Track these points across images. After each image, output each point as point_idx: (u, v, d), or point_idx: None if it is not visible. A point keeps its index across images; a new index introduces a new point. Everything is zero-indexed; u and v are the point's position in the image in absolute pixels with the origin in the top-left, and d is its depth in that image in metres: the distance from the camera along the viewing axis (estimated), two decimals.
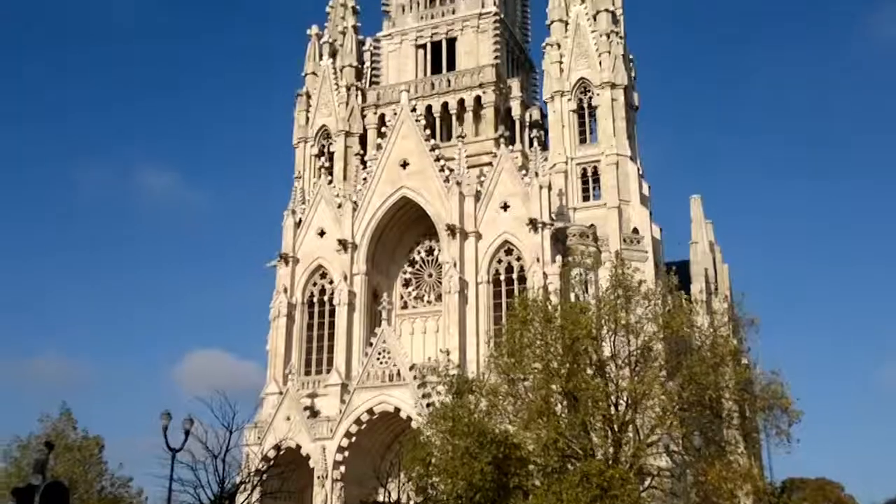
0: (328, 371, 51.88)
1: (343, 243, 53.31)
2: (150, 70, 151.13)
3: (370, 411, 48.70)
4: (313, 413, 50.36)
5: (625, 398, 33.71)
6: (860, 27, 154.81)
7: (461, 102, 58.26)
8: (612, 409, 33.57)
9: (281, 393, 50.94)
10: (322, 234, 54.63)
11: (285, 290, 53.64)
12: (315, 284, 54.34)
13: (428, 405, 44.52)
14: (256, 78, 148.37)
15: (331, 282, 53.57)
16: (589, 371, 34.82)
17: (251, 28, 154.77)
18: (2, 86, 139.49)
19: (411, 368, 48.74)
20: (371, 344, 50.24)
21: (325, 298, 53.73)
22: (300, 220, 55.27)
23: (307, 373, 52.82)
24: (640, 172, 54.06)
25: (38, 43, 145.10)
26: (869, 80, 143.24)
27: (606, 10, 56.72)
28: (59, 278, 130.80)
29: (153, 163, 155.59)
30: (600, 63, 55.43)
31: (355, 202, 54.27)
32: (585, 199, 53.37)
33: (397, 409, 48.22)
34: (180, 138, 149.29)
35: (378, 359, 49.32)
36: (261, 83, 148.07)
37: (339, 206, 54.65)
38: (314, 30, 63.90)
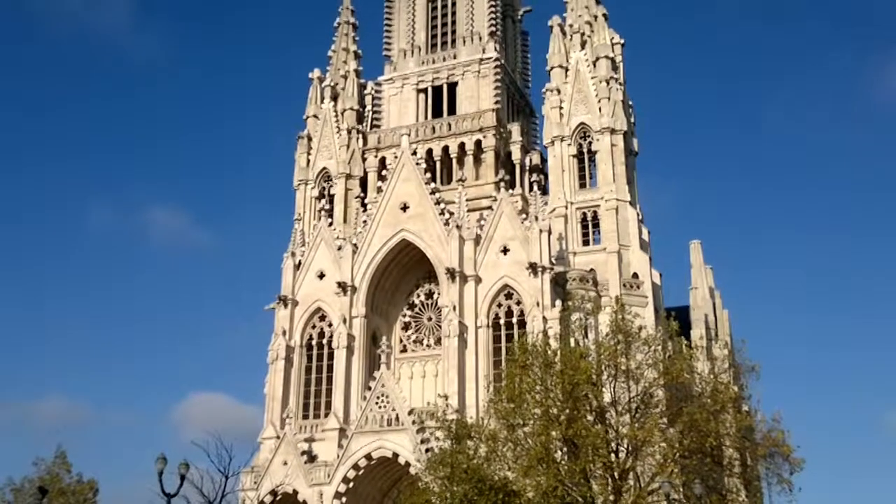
0: (326, 415, 51.49)
1: (342, 286, 53.24)
2: (163, 111, 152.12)
3: (368, 456, 48.22)
4: (311, 458, 49.86)
5: (625, 445, 33.50)
6: (869, 73, 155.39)
7: (462, 146, 58.62)
8: (613, 456, 33.33)
9: (278, 437, 50.48)
10: (321, 276, 54.58)
11: (284, 333, 53.45)
12: (314, 327, 54.16)
13: (427, 451, 44.19)
14: (260, 119, 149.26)
15: (330, 324, 53.39)
16: (589, 417, 34.65)
17: (256, 70, 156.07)
18: (14, 123, 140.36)
19: (410, 413, 48.38)
20: (370, 388, 49.93)
21: (324, 341, 53.49)
22: (300, 263, 55.24)
23: (305, 417, 52.43)
24: (640, 217, 54.20)
25: (52, 84, 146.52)
26: (875, 130, 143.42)
27: (606, 57, 57.28)
28: (62, 319, 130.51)
29: (163, 203, 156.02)
30: (600, 109, 55.86)
31: (355, 245, 54.30)
32: (585, 243, 53.45)
33: (395, 455, 47.77)
34: (188, 178, 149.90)
35: (376, 403, 48.97)
36: (264, 125, 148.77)
37: (339, 248, 54.67)
38: (316, 73, 64.53)
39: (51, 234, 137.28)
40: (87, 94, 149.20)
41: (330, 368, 52.61)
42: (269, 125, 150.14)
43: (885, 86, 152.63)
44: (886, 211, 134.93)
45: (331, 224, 56.60)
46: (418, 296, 55.39)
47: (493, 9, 62.37)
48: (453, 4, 64.21)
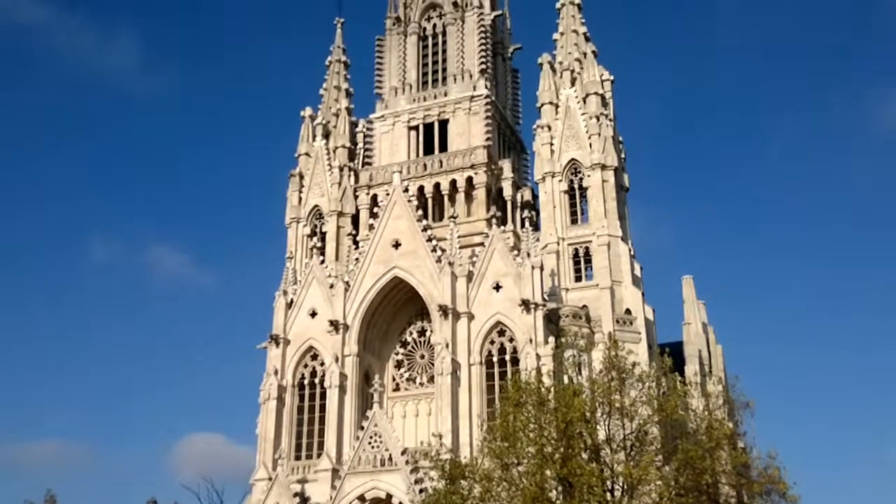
0: (319, 455, 50.91)
1: (335, 324, 52.95)
2: (165, 149, 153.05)
3: (361, 498, 47.64)
4: (303, 499, 49.25)
5: (621, 483, 33.22)
6: (869, 108, 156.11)
7: (453, 183, 58.70)
8: (608, 494, 33.04)
9: (270, 479, 49.88)
10: (313, 314, 54.30)
11: (276, 372, 53.05)
12: (306, 366, 53.77)
13: (420, 491, 43.77)
14: (257, 157, 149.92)
15: (322, 363, 53.03)
16: (584, 455, 34.42)
17: (254, 108, 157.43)
18: (18, 159, 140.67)
19: (403, 453, 47.91)
20: (362, 427, 49.49)
21: (316, 380, 53.07)
22: (292, 301, 55.00)
23: (297, 457, 51.85)
24: (632, 253, 54.18)
25: (58, 122, 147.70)
26: (874, 164, 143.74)
27: (596, 94, 57.62)
28: (60, 358, 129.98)
29: (163, 241, 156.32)
30: (590, 145, 56.08)
31: (347, 282, 54.11)
32: (578, 279, 53.37)
33: (389, 496, 47.22)
34: (188, 216, 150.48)
35: (369, 443, 48.50)
36: (261, 163, 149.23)
37: (331, 286, 54.45)
38: (308, 111, 64.74)
39: (50, 270, 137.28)
40: (92, 133, 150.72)
41: (322, 408, 52.13)
42: (265, 162, 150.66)
43: (884, 120, 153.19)
44: (883, 246, 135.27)
45: (323, 262, 56.46)
46: (411, 333, 55.13)
47: (483, 47, 62.86)
48: (444, 43, 64.69)
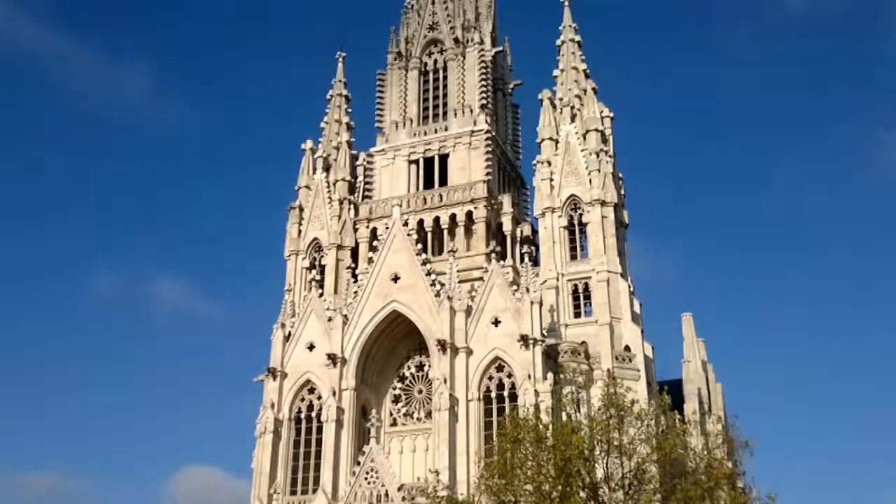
0: (314, 491, 50.41)
1: (332, 357, 52.70)
2: (171, 179, 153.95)
3: None
4: None
5: None
6: (872, 146, 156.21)
7: (453, 217, 58.75)
8: None
9: None
10: (311, 347, 54.06)
11: (272, 406, 52.70)
12: (303, 400, 53.42)
13: None
14: (259, 189, 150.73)
15: (319, 397, 52.68)
16: (582, 494, 34.19)
17: (254, 141, 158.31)
18: (23, 187, 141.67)
19: (400, 489, 47.51)
20: (359, 463, 49.12)
21: (313, 414, 52.69)
22: (290, 334, 54.78)
23: (293, 492, 51.36)
24: (632, 290, 54.07)
25: (61, 152, 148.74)
26: (876, 202, 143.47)
27: (596, 130, 57.86)
28: (59, 388, 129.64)
29: (165, 272, 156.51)
30: (590, 181, 56.19)
31: (345, 316, 53.94)
32: (577, 315, 53.22)
33: None
34: (190, 247, 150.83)
35: (366, 479, 48.10)
36: (263, 195, 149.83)
37: (330, 319, 54.26)
38: (308, 144, 64.99)
39: (52, 300, 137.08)
40: (97, 160, 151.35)
41: (319, 442, 51.70)
42: (268, 193, 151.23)
43: (888, 156, 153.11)
44: (887, 285, 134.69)
45: (321, 295, 56.31)
46: (409, 368, 54.87)
47: (483, 82, 63.25)
48: (445, 78, 65.11)
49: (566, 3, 63.51)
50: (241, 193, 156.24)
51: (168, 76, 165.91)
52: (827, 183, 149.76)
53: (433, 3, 67.38)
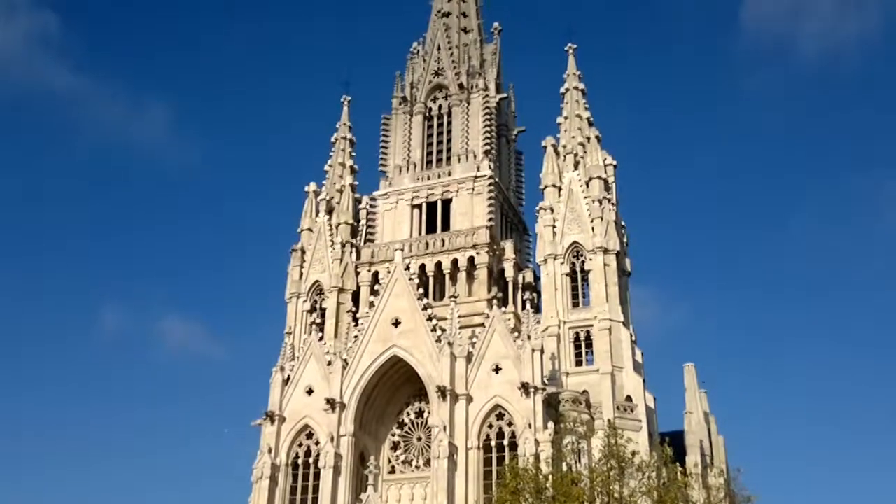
0: None
1: (331, 402, 52.22)
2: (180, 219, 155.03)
3: None
4: None
5: None
6: (886, 199, 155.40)
7: (455, 262, 58.63)
8: None
9: None
10: (310, 392, 53.61)
11: (270, 451, 52.10)
12: (301, 445, 52.82)
13: None
14: (264, 231, 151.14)
15: (317, 443, 52.08)
16: None
17: (245, 184, 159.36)
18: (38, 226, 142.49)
19: None
20: None
21: (311, 460, 52.04)
22: (289, 378, 54.37)
23: None
24: (633, 339, 53.78)
25: (75, 193, 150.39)
26: (885, 254, 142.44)
27: (599, 178, 57.99)
28: (58, 422, 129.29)
29: (173, 312, 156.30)
30: (593, 228, 56.20)
31: (345, 360, 53.56)
32: (578, 363, 52.89)
33: None
34: (199, 287, 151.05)
35: None
36: (268, 237, 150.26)
37: (329, 363, 53.88)
38: (312, 187, 65.15)
39: (59, 333, 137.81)
40: (112, 200, 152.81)
41: (316, 489, 50.97)
42: (273, 236, 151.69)
43: None
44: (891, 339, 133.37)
45: (321, 338, 55.98)
46: (408, 414, 54.33)
47: (487, 128, 63.58)
48: (449, 123, 65.45)
49: (571, 52, 64.08)
50: (250, 234, 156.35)
51: (184, 119, 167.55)
52: (837, 235, 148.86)
53: (439, 49, 67.98)
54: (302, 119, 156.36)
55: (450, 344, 51.32)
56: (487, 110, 64.44)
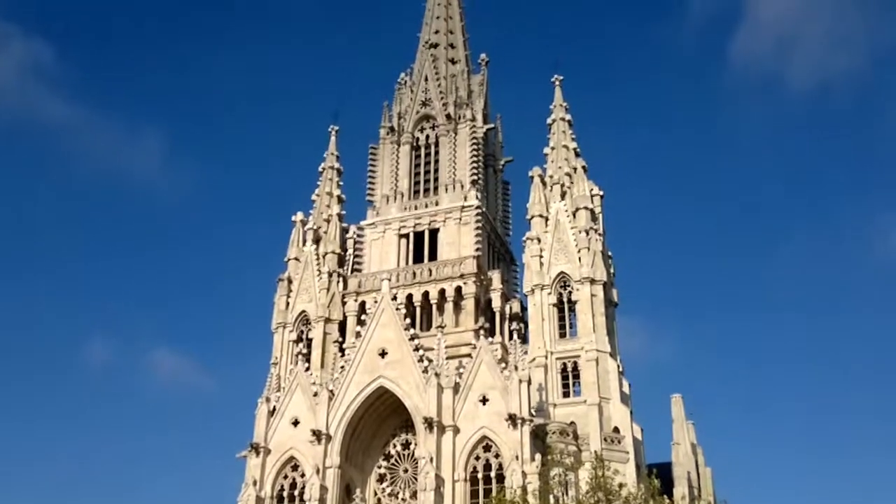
0: None
1: (317, 434, 51.80)
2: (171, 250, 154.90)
3: None
4: None
5: None
6: (876, 234, 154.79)
7: (442, 292, 58.58)
8: None
9: None
10: (296, 423, 53.19)
11: (255, 483, 51.59)
12: (286, 477, 52.32)
13: None
14: (250, 262, 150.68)
15: (302, 475, 51.60)
16: None
17: (236, 214, 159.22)
18: (19, 256, 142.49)
19: None
20: None
21: (296, 493, 51.49)
22: (274, 409, 53.96)
23: None
24: (621, 369, 53.73)
25: (66, 223, 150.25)
26: (880, 290, 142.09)
27: (586, 208, 58.18)
28: (45, 455, 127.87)
29: (160, 341, 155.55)
30: (580, 259, 56.29)
31: (332, 391, 53.22)
32: (566, 394, 52.74)
33: None
34: (183, 318, 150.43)
35: None
36: (254, 267, 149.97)
37: (315, 394, 53.54)
38: (299, 216, 65.02)
39: (47, 363, 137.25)
40: (101, 230, 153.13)
41: None
42: (259, 267, 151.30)
43: (890, 248, 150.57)
44: (884, 375, 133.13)
45: (308, 369, 55.65)
46: (395, 446, 53.96)
47: (475, 158, 63.76)
48: (436, 153, 65.64)
49: (557, 83, 64.50)
50: (239, 264, 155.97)
51: (177, 148, 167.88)
52: (827, 266, 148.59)
53: (426, 79, 68.30)
54: (291, 148, 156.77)
55: (437, 375, 51.11)
56: (475, 140, 64.67)
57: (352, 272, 62.28)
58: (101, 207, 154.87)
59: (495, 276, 59.76)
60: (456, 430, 49.85)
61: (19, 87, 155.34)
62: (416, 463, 50.37)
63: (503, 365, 51.18)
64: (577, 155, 61.77)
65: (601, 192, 60.80)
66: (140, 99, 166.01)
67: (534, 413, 49.68)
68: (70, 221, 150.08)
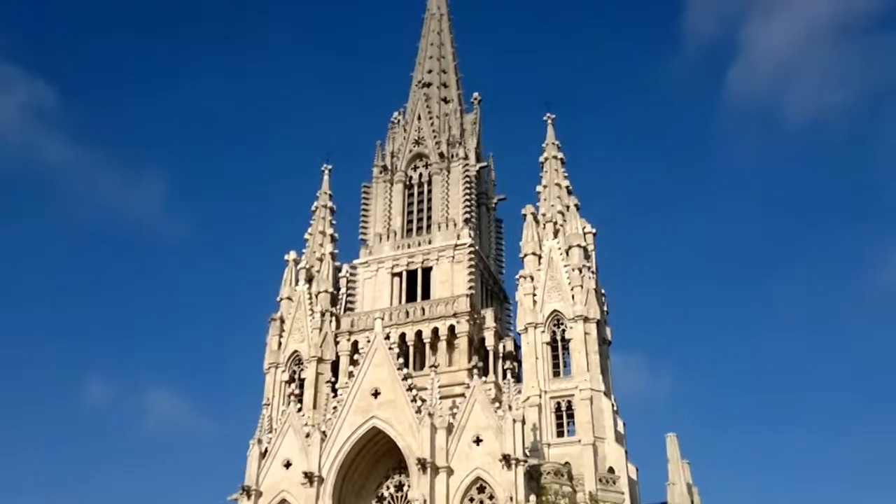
0: None
1: (309, 476, 51.16)
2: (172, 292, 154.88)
3: None
4: None
5: None
6: (870, 265, 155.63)
7: (435, 331, 58.35)
8: None
9: None
10: (288, 465, 52.57)
11: None
12: None
13: None
14: (252, 302, 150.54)
15: None
16: None
17: (233, 255, 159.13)
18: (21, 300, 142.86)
19: None
20: None
21: None
22: (266, 450, 53.39)
23: None
24: (615, 408, 53.38)
25: (64, 264, 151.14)
26: (876, 321, 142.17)
27: (578, 246, 58.14)
28: (36, 500, 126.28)
29: (157, 382, 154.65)
30: (573, 297, 56.11)
31: (324, 432, 52.67)
32: (560, 434, 52.32)
33: None
34: (180, 359, 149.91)
35: None
36: (254, 307, 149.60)
37: (308, 435, 52.95)
38: (292, 255, 64.98)
39: (45, 404, 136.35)
40: (99, 273, 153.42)
41: None
42: (258, 306, 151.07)
43: (885, 277, 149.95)
44: (883, 406, 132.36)
45: (300, 410, 55.16)
46: (388, 488, 53.20)
47: (467, 197, 63.88)
48: (429, 192, 65.76)
49: (549, 121, 64.78)
50: (235, 303, 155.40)
51: (175, 189, 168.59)
52: (822, 300, 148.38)
53: (419, 118, 68.62)
54: (285, 187, 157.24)
55: (430, 415, 50.65)
56: (467, 179, 64.82)
57: (345, 311, 62.05)
58: (100, 248, 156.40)
59: (488, 315, 59.52)
60: (450, 472, 49.27)
61: (21, 128, 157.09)
62: None
63: (497, 404, 50.75)
64: (569, 193, 61.86)
65: (594, 230, 60.79)
66: (140, 141, 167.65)
67: (528, 453, 49.15)
68: (69, 262, 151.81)
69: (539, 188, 62.54)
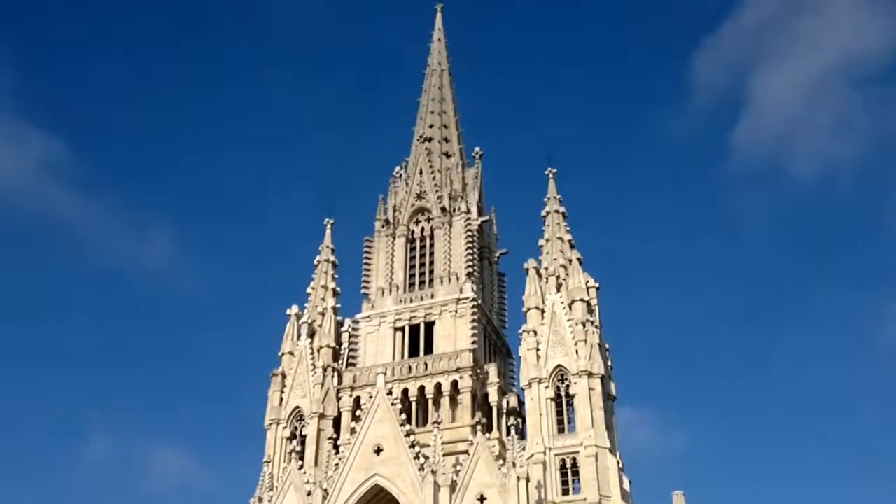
0: None
1: None
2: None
3: None
4: None
5: None
6: (876, 320, 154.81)
7: (438, 387, 57.89)
8: None
9: None
10: None
11: None
12: None
13: None
14: (254, 357, 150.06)
15: None
16: None
17: (236, 307, 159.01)
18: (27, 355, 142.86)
19: None
20: None
21: None
22: None
23: None
24: (621, 466, 52.57)
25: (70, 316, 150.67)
26: (883, 377, 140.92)
27: (582, 300, 57.82)
28: None
29: (161, 438, 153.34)
30: (577, 351, 55.62)
31: (325, 490, 52.04)
32: (565, 492, 51.38)
33: None
34: (184, 414, 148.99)
35: None
36: (254, 362, 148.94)
37: (309, 493, 52.31)
38: (294, 310, 64.64)
39: (48, 457, 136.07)
40: (105, 327, 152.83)
41: None
42: (258, 361, 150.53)
43: (890, 333, 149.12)
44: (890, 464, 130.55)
45: (301, 467, 54.50)
46: None
47: (470, 251, 63.85)
48: (431, 245, 65.76)
49: (551, 176, 64.91)
50: (239, 359, 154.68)
51: (183, 245, 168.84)
52: (831, 359, 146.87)
53: (421, 172, 68.91)
54: (288, 242, 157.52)
55: (433, 472, 50.06)
56: (469, 233, 64.87)
57: (347, 366, 61.63)
58: (102, 303, 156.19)
59: (492, 370, 59.11)
60: None
61: (35, 184, 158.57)
62: None
63: (501, 462, 50.23)
64: (571, 247, 61.73)
65: (597, 285, 60.51)
66: (149, 196, 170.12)
67: None
68: (77, 315, 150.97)
69: (541, 242, 62.36)
